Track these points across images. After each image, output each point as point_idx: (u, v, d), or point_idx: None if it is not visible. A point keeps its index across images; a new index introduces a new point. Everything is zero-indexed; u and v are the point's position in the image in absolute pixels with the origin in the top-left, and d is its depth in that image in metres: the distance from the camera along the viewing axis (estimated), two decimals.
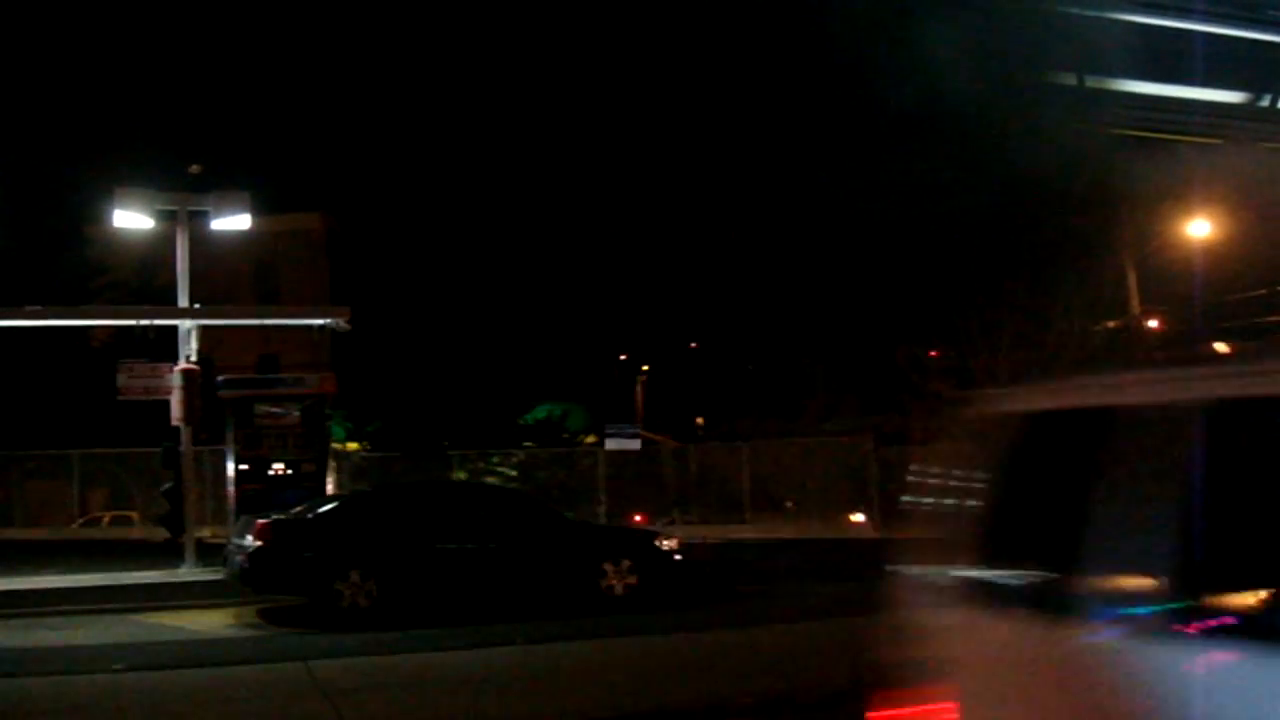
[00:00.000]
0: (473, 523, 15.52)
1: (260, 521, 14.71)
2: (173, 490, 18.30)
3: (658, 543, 16.19)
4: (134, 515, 28.54)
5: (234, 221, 18.48)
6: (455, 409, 32.64)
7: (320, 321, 19.12)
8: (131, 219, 18.19)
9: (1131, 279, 29.80)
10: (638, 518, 27.33)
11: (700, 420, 48.48)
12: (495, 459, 29.98)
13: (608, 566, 15.35)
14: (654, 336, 50.25)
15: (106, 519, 29.71)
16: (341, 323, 18.69)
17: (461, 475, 28.59)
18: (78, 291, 30.52)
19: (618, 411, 37.03)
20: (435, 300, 38.36)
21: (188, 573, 17.37)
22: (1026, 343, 28.10)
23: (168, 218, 18.52)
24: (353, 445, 32.74)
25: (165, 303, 20.52)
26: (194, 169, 29.37)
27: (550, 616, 14.53)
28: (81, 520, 29.67)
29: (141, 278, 30.54)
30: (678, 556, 16.03)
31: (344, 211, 41.90)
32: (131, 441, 25.43)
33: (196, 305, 18.57)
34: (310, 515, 15.29)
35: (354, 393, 34.02)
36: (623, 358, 50.56)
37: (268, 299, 37.25)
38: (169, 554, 18.36)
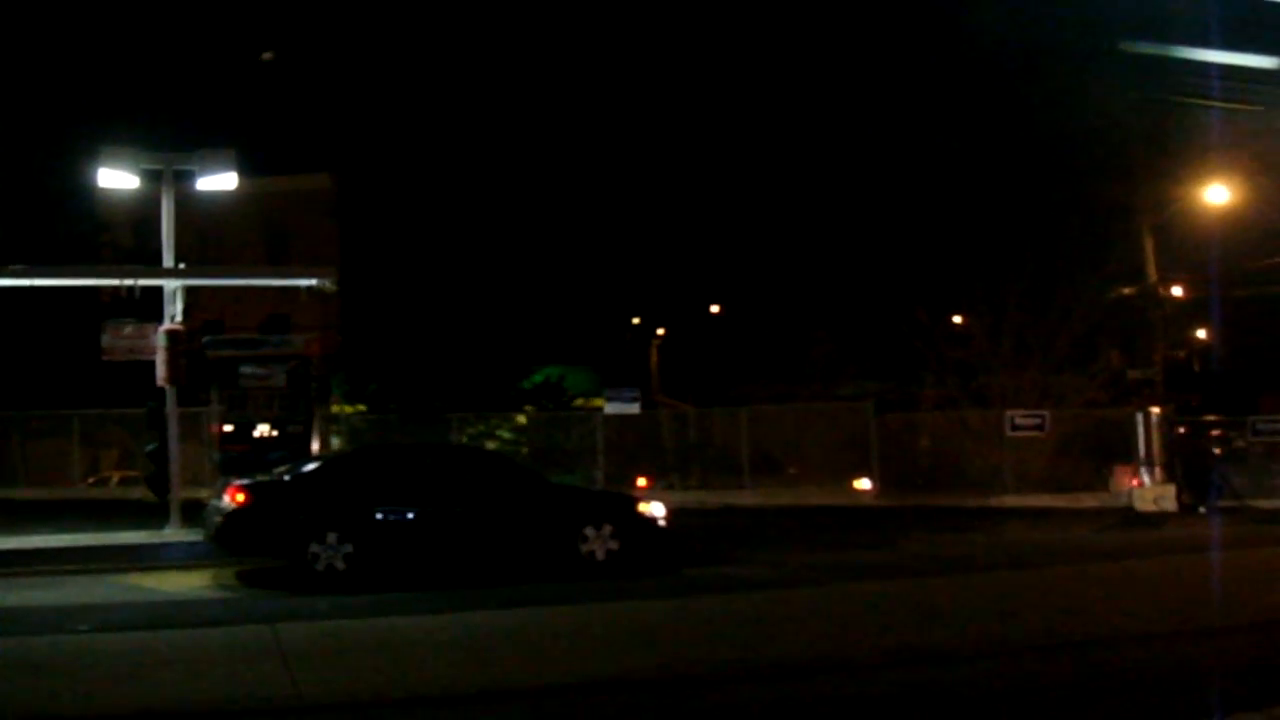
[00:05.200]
0: (452, 485, 15.36)
1: (236, 483, 14.61)
2: (158, 451, 18.24)
3: (640, 508, 15.95)
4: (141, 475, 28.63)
5: (219, 180, 18.24)
6: (456, 371, 32.45)
7: (306, 282, 18.87)
8: (117, 178, 18.02)
9: (1149, 245, 29.34)
10: (641, 481, 27.12)
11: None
12: (495, 422, 29.85)
13: (588, 531, 15.16)
14: (671, 300, 49.83)
15: (115, 479, 29.86)
16: (328, 283, 18.46)
17: (463, 439, 28.46)
18: (84, 248, 30.49)
19: (630, 376, 36.73)
20: (445, 261, 38.16)
21: (172, 534, 17.34)
22: (1032, 306, 27.60)
23: (154, 177, 18.34)
24: (349, 408, 32.65)
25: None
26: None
27: (528, 580, 14.42)
28: (91, 480, 29.85)
29: (139, 238, 30.46)
30: (661, 522, 15.80)
31: (353, 172, 41.64)
32: (136, 402, 25.45)
33: (181, 265, 18.38)
34: (288, 477, 15.18)
35: (358, 353, 33.91)
36: (635, 321, 50.15)
37: (277, 260, 37.14)
38: (160, 515, 18.34)
